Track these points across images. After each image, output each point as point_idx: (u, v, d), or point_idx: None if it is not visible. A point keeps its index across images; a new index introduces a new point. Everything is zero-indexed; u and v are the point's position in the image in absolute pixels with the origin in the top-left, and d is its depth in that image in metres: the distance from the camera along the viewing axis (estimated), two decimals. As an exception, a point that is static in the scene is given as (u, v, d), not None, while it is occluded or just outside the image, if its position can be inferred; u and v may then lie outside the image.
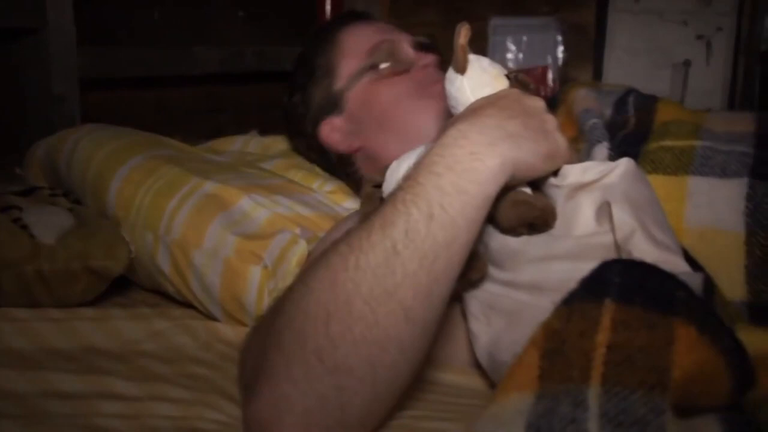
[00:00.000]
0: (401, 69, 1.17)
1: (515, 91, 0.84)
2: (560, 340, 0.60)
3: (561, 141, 0.82)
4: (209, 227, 1.05)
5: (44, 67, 1.27)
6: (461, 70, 0.82)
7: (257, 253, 1.02)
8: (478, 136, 0.75)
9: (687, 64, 1.96)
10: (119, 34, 1.50)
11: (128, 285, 1.16)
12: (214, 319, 1.06)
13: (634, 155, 0.90)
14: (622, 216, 0.75)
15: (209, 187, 1.09)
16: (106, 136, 1.18)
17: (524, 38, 2.03)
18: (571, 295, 0.63)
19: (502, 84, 0.84)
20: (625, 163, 0.79)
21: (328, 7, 1.97)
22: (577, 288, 0.63)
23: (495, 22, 2.06)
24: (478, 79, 0.83)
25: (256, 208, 1.08)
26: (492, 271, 0.81)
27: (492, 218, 0.78)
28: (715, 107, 1.93)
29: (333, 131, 1.23)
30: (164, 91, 1.59)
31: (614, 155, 0.94)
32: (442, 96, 1.08)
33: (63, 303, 1.01)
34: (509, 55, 2.03)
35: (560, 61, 2.02)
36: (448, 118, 0.87)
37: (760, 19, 1.86)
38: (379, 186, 0.92)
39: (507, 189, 0.77)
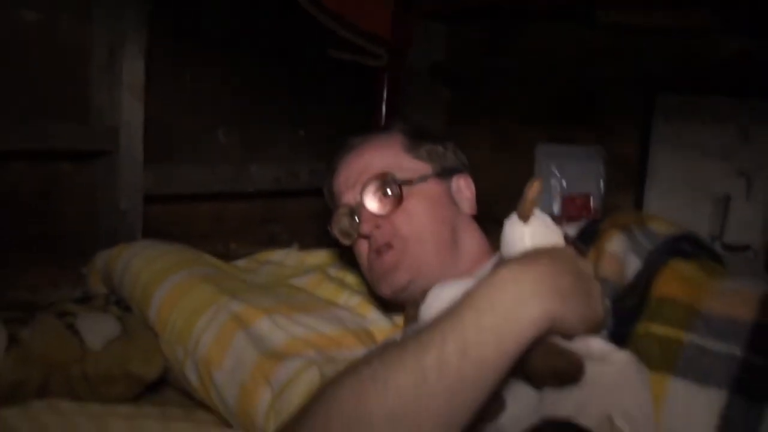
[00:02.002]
0: (351, 244, 1.28)
1: (570, 249, 0.89)
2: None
3: (601, 310, 0.86)
4: (230, 348, 1.17)
5: (114, 185, 1.44)
6: (525, 219, 0.89)
7: (269, 377, 1.12)
8: (528, 283, 0.78)
9: (727, 198, 2.00)
10: (184, 151, 1.66)
11: (165, 383, 1.27)
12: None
13: (624, 335, 0.92)
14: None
15: (235, 306, 1.22)
16: (151, 256, 1.34)
17: (569, 166, 2.10)
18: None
19: (560, 243, 0.90)
20: (625, 363, 0.82)
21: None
22: None
23: (542, 149, 2.13)
24: (538, 231, 0.89)
25: (274, 330, 1.19)
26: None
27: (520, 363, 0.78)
28: (755, 242, 1.95)
29: None
30: (220, 203, 1.72)
31: (608, 337, 0.92)
32: (380, 270, 1.19)
33: (103, 401, 1.14)
34: (553, 181, 2.11)
35: (602, 190, 2.08)
36: (499, 258, 0.93)
37: (800, 158, 1.90)
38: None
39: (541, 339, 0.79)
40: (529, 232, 0.89)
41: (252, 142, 1.81)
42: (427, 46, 2.21)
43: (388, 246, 1.21)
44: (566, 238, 0.93)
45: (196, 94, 1.66)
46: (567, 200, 2.09)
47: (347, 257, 1.55)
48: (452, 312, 0.76)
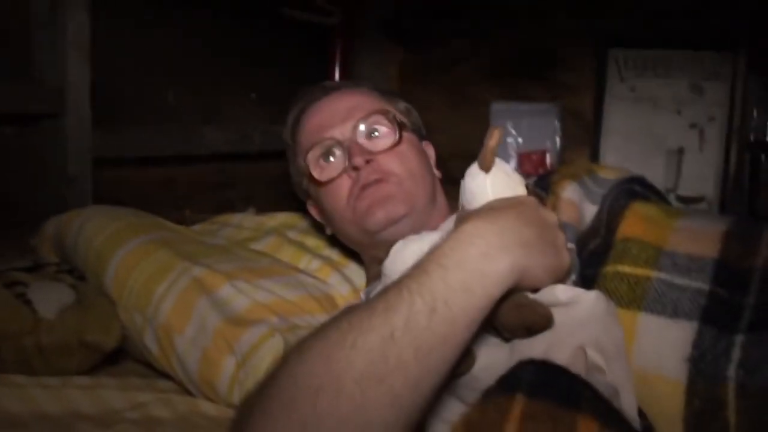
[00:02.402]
0: (329, 180, 1.20)
1: (534, 199, 0.88)
2: (476, 430, 0.67)
3: (566, 259, 0.85)
4: (192, 314, 1.13)
5: (60, 149, 1.38)
6: (486, 169, 0.86)
7: (232, 344, 1.09)
8: (494, 237, 0.77)
9: (681, 151, 2.02)
10: (134, 114, 1.60)
11: (123, 355, 1.23)
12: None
13: (593, 278, 0.93)
14: (596, 361, 0.77)
15: (196, 271, 1.17)
16: (107, 220, 1.27)
17: (524, 123, 2.10)
18: (488, 390, 0.70)
19: (521, 191, 0.88)
20: (593, 300, 0.82)
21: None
22: (495, 384, 0.70)
23: (496, 107, 2.12)
24: (500, 181, 0.87)
25: (236, 296, 1.15)
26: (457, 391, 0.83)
27: (489, 317, 0.78)
28: (708, 193, 1.98)
29: (316, 213, 1.32)
30: (174, 168, 1.67)
31: (577, 280, 0.93)
32: (374, 198, 1.13)
33: (59, 373, 1.09)
34: (509, 139, 2.10)
35: (558, 146, 2.08)
36: (461, 209, 0.91)
37: (750, 111, 1.92)
38: (381, 262, 0.95)
39: (508, 292, 0.78)
40: (491, 182, 0.87)
41: (203, 104, 1.77)
42: (379, 4, 2.18)
43: (378, 182, 1.15)
44: (527, 186, 0.91)
45: (143, 54, 1.61)
46: (523, 157, 2.09)
47: (307, 220, 1.53)
48: (419, 269, 0.75)
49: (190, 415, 1.05)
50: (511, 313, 0.80)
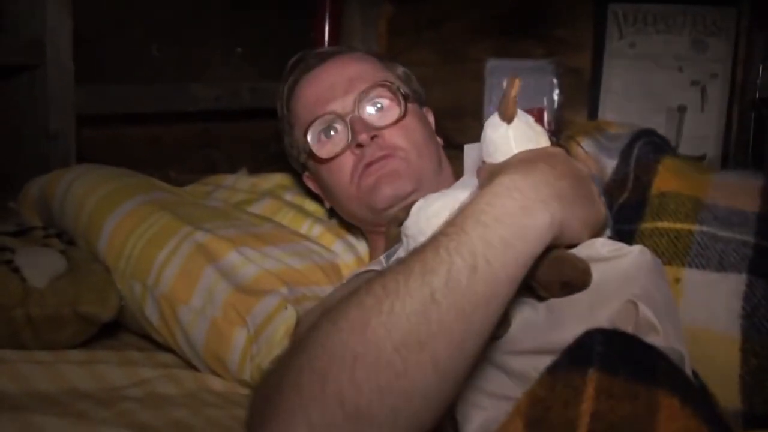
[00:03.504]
0: (331, 157, 1.15)
1: (562, 151, 0.83)
2: (544, 408, 0.60)
3: (602, 211, 0.81)
4: (198, 283, 1.05)
5: (41, 104, 1.28)
6: (509, 119, 0.81)
7: (243, 316, 1.02)
8: (531, 190, 0.73)
9: (682, 109, 1.97)
10: (117, 70, 1.51)
11: (119, 326, 1.15)
12: (201, 369, 1.06)
13: (630, 234, 0.90)
14: (648, 317, 0.73)
15: (199, 237, 1.10)
16: (98, 179, 1.19)
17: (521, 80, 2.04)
18: (555, 363, 0.63)
19: (545, 143, 0.83)
20: (638, 254, 0.78)
21: (325, 45, 1.99)
22: (561, 357, 0.64)
23: (492, 63, 2.06)
24: (523, 132, 0.82)
25: (244, 264, 1.08)
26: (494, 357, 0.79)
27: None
28: (710, 153, 1.94)
29: (313, 185, 1.27)
30: (159, 127, 1.60)
31: (612, 235, 0.89)
32: (381, 174, 1.10)
33: (50, 347, 1.01)
34: (505, 97, 2.04)
35: (556, 104, 2.02)
36: (481, 163, 0.87)
37: (754, 67, 1.87)
38: (401, 223, 0.91)
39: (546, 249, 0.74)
40: (513, 133, 0.82)
41: (187, 60, 1.68)
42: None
43: (384, 157, 1.12)
44: (551, 138, 0.86)
45: (124, 5, 1.52)
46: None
47: (302, 183, 1.45)
48: (455, 227, 0.70)
49: (198, 391, 0.97)
50: (549, 269, 0.77)
